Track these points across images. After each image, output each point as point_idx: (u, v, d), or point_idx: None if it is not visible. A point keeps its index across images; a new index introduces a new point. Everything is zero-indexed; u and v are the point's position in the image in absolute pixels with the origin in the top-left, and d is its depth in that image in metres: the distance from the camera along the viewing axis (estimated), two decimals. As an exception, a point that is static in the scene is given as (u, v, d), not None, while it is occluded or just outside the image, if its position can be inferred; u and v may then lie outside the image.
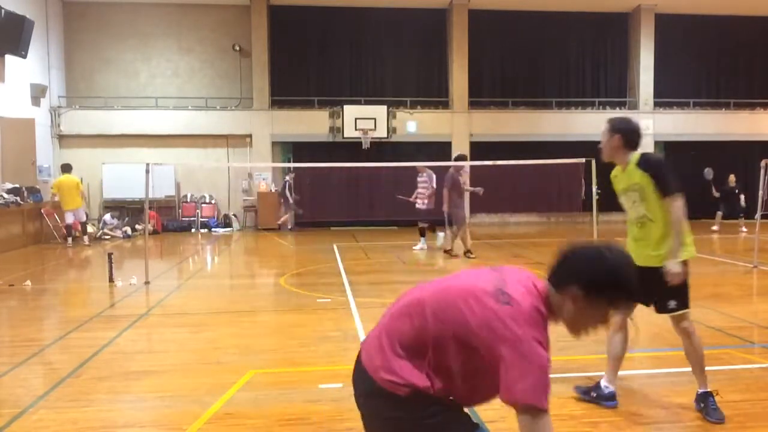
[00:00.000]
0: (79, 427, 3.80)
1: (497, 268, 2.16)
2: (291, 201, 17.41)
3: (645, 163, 3.87)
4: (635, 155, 3.93)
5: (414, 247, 12.69)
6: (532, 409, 1.86)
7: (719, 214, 16.36)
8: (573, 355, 5.16)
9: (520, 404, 1.87)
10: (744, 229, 15.96)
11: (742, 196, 16.46)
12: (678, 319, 3.88)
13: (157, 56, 18.91)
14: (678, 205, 3.74)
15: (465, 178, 12.18)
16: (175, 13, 18.84)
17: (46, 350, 5.59)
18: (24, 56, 14.95)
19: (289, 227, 17.92)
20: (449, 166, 11.94)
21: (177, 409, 4.06)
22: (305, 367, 4.99)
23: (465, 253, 11.67)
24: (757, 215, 10.48)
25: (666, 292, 3.79)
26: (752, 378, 4.62)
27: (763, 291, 8.39)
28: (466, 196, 12.87)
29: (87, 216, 15.71)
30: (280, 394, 4.30)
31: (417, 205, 12.67)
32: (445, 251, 11.86)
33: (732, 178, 16.46)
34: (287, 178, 17.51)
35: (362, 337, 5.78)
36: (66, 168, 14.40)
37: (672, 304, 3.81)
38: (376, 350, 2.09)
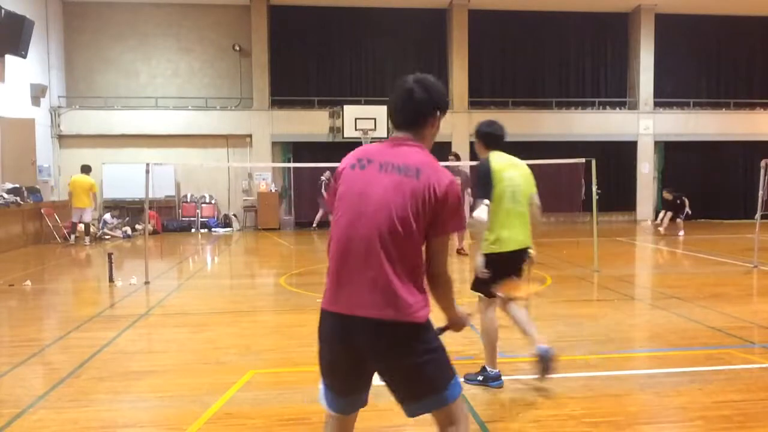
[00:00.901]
0: (79, 427, 3.80)
1: (365, 161, 2.40)
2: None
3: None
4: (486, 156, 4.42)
5: None
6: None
7: (665, 213, 15.78)
8: (572, 355, 5.16)
9: (460, 230, 2.38)
10: (681, 232, 15.33)
11: (686, 203, 15.70)
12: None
13: (157, 56, 18.91)
14: (477, 208, 4.15)
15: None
16: (175, 13, 18.85)
17: (46, 350, 5.58)
18: (24, 56, 14.95)
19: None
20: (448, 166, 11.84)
21: (177, 409, 4.06)
22: (305, 367, 4.98)
23: (457, 251, 11.52)
24: (757, 215, 10.48)
25: None
26: (752, 378, 4.61)
27: (763, 291, 8.38)
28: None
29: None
30: (280, 394, 4.30)
31: None
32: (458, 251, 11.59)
33: (666, 194, 16.10)
34: (323, 177, 17.22)
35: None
36: (83, 169, 14.70)
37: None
38: (383, 298, 2.23)
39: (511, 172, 4.35)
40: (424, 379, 2.32)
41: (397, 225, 2.24)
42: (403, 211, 2.25)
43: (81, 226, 14.75)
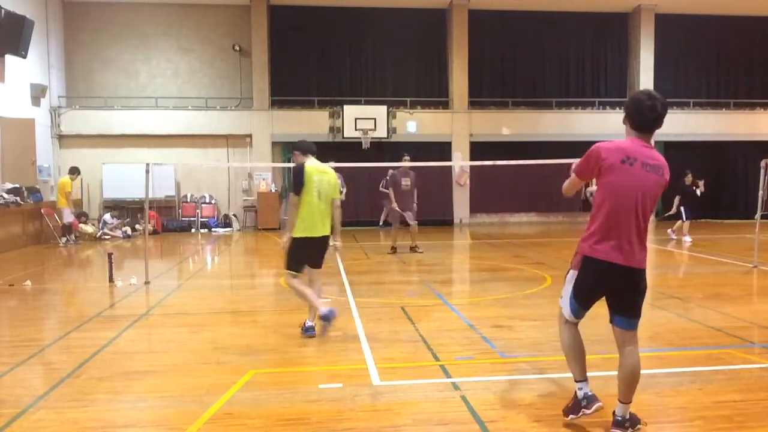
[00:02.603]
0: (79, 427, 3.80)
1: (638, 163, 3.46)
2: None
3: None
4: None
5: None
6: None
7: (684, 223, 14.03)
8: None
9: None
10: (684, 238, 13.89)
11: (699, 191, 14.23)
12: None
13: (157, 56, 18.91)
14: (289, 200, 5.78)
15: (406, 182, 11.98)
16: (175, 13, 18.85)
17: (46, 350, 5.58)
18: (24, 56, 14.94)
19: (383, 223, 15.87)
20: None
21: (177, 409, 4.06)
22: (305, 367, 4.99)
23: (392, 249, 12.23)
24: (757, 215, 10.48)
25: None
26: (752, 378, 4.61)
27: (763, 291, 8.39)
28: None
29: (84, 217, 15.81)
30: (280, 394, 4.30)
31: None
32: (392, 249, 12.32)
33: (689, 176, 14.33)
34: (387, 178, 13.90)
35: (362, 336, 5.80)
36: (69, 170, 14.82)
37: None
38: (644, 253, 3.52)
39: (320, 176, 5.71)
40: (637, 306, 3.58)
41: (649, 208, 3.46)
42: (655, 199, 3.47)
43: (81, 226, 14.80)
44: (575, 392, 3.75)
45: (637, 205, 3.42)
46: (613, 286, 3.54)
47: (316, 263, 6.00)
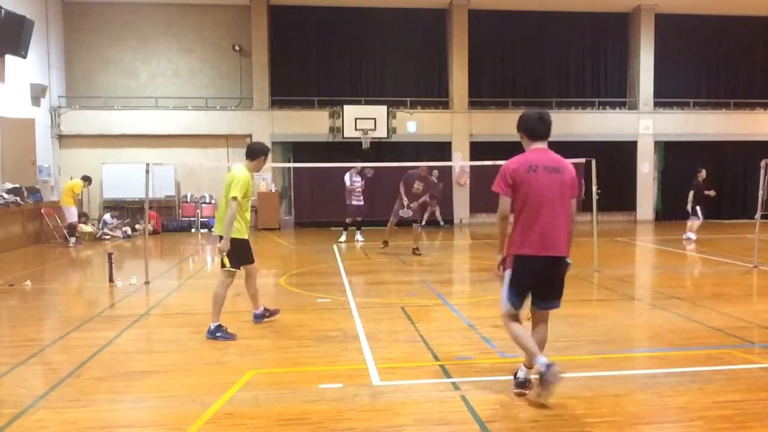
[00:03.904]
0: (79, 427, 3.80)
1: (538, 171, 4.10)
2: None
3: None
4: None
5: (358, 240, 14.56)
6: None
7: (695, 222, 14.17)
8: (572, 355, 5.16)
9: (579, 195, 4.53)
10: (689, 234, 14.07)
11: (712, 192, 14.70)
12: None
13: (157, 56, 18.91)
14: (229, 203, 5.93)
15: (418, 185, 12.08)
16: (175, 13, 18.85)
17: (46, 350, 5.58)
18: (24, 56, 14.94)
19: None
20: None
21: (177, 409, 4.06)
22: (305, 367, 4.99)
23: (383, 243, 12.48)
24: (757, 215, 10.48)
25: None
26: (752, 378, 4.61)
27: (763, 291, 8.39)
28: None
29: (84, 217, 15.79)
30: (280, 394, 4.30)
31: (356, 203, 14.37)
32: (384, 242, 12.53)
33: (703, 173, 14.47)
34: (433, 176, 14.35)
35: (362, 336, 5.80)
36: (81, 177, 15.03)
37: None
38: (565, 243, 4.07)
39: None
40: (560, 289, 4.20)
41: (565, 203, 4.05)
42: (565, 197, 4.06)
43: (81, 226, 14.79)
44: (537, 369, 4.02)
45: (548, 203, 4.00)
46: (542, 274, 4.06)
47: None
